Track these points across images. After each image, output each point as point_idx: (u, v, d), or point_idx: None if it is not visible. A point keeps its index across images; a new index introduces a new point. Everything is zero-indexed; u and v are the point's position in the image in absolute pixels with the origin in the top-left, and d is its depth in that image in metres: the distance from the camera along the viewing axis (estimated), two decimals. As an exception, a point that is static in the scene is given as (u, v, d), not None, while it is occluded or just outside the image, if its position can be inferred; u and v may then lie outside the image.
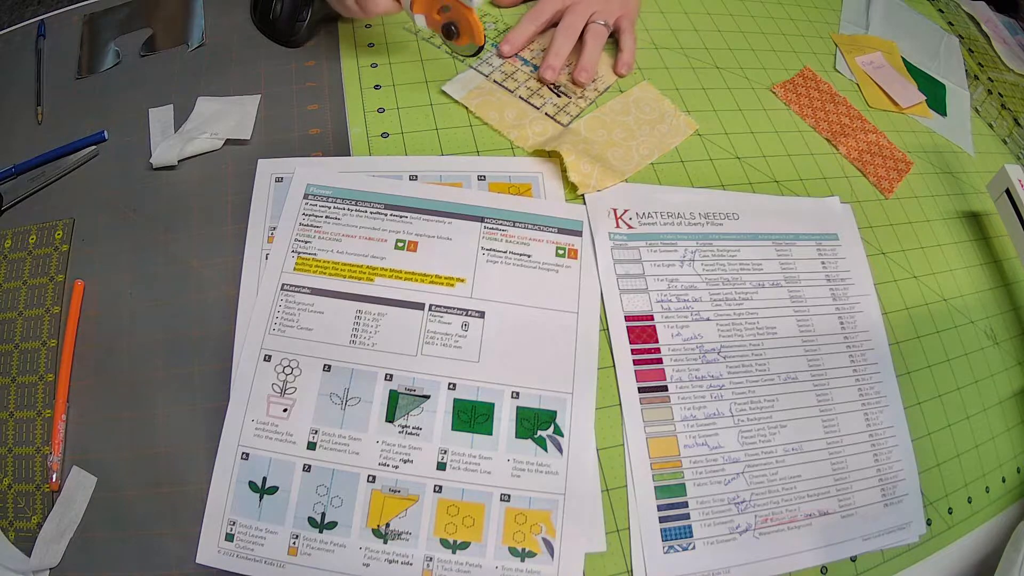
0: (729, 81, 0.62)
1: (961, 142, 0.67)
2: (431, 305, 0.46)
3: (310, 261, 0.47)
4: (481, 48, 0.53)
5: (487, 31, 0.58)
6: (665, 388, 0.46)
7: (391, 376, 0.43)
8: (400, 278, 0.46)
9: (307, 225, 0.48)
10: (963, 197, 0.62)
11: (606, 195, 0.51)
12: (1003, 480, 0.51)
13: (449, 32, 0.52)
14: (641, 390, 0.45)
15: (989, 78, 0.76)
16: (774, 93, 0.62)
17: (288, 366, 0.43)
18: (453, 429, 0.42)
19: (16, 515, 0.41)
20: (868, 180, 0.59)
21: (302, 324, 0.45)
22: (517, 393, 0.44)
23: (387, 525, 0.40)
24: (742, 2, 0.70)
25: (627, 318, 0.47)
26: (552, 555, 0.40)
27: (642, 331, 0.47)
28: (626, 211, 0.51)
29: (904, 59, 0.70)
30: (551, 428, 0.43)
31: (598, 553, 0.41)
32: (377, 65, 0.57)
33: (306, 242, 0.47)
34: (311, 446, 0.42)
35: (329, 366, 0.43)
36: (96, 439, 0.43)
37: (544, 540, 0.41)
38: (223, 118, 0.53)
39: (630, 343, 0.46)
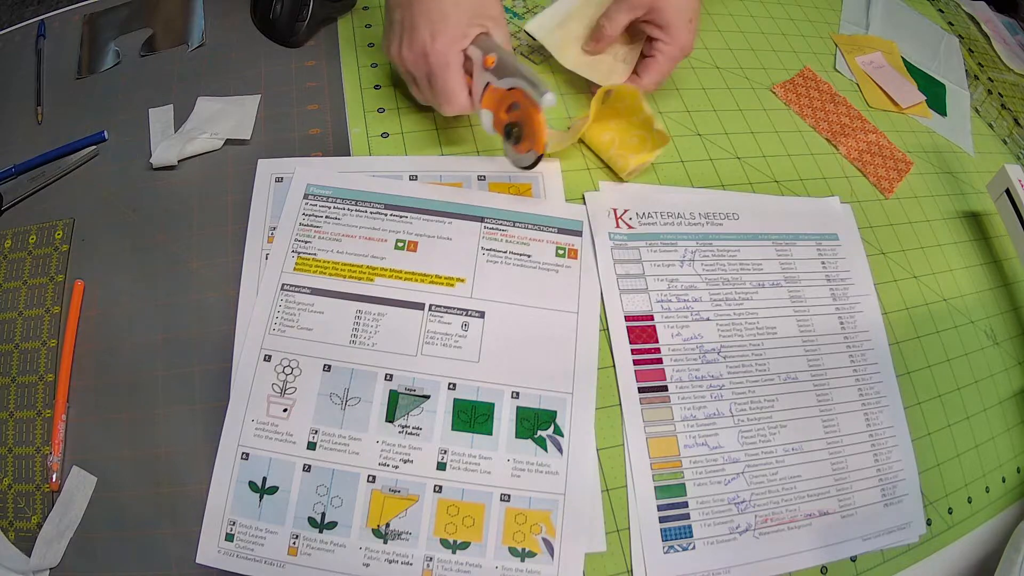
0: (729, 81, 0.62)
1: (961, 142, 0.67)
2: (431, 305, 0.46)
3: (310, 261, 0.47)
4: (540, 159, 0.47)
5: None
6: (665, 388, 0.46)
7: (391, 376, 0.43)
8: (400, 278, 0.46)
9: (307, 225, 0.48)
10: (963, 197, 0.62)
11: (606, 195, 0.51)
12: (1003, 480, 0.51)
13: (509, 133, 0.47)
14: (641, 390, 0.45)
15: (989, 78, 0.76)
16: (774, 93, 0.62)
17: (288, 366, 0.43)
18: (453, 429, 0.42)
19: (16, 515, 0.41)
20: (868, 180, 0.59)
21: (302, 324, 0.45)
22: (517, 393, 0.44)
23: (387, 525, 0.40)
24: (742, 2, 0.70)
25: (627, 318, 0.47)
26: (552, 555, 0.40)
27: (642, 331, 0.47)
28: (626, 211, 0.51)
29: (904, 59, 0.70)
30: (551, 428, 0.43)
31: (598, 553, 0.41)
32: (377, 65, 0.57)
33: (306, 242, 0.47)
34: (311, 446, 0.42)
35: (329, 366, 0.43)
36: (96, 439, 0.43)
37: (544, 540, 0.41)
38: (223, 118, 0.52)
39: (630, 343, 0.46)
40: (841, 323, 0.51)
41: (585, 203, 0.51)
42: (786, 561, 0.43)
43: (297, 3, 0.57)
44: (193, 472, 0.41)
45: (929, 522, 0.47)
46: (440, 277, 0.47)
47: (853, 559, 0.45)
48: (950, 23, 0.81)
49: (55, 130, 0.55)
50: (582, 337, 0.46)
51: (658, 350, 0.47)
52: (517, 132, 0.47)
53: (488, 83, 0.47)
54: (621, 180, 0.52)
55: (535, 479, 0.42)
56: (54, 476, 0.41)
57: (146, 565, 0.40)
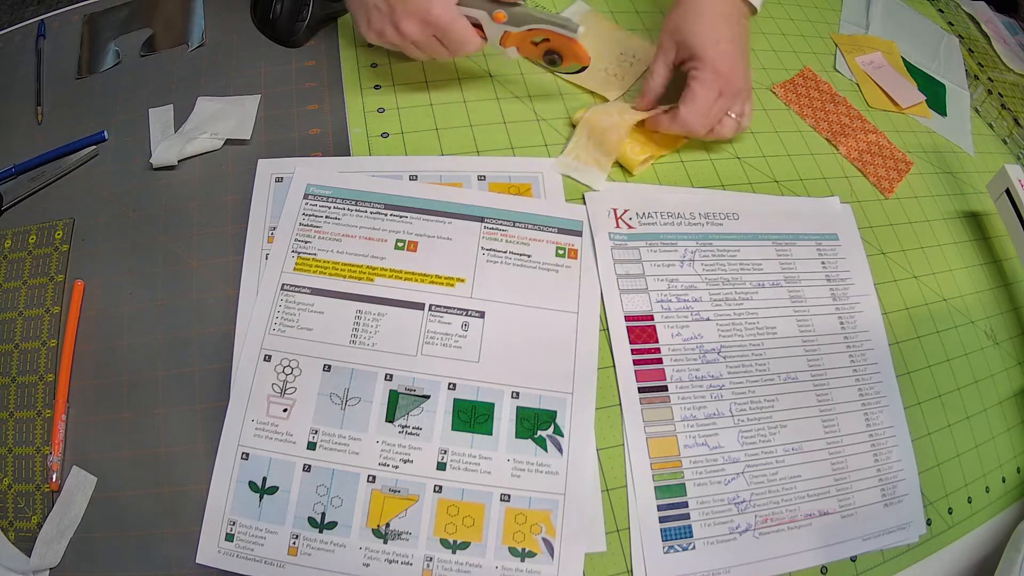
0: (729, 81, 0.62)
1: (961, 142, 0.67)
2: (431, 305, 0.46)
3: (310, 261, 0.47)
4: (585, 67, 0.53)
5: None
6: (665, 388, 0.46)
7: (391, 376, 0.43)
8: (400, 278, 0.46)
9: (307, 225, 0.48)
10: (963, 197, 0.62)
11: (606, 195, 0.51)
12: (1003, 480, 0.51)
13: (552, 60, 0.53)
14: (641, 390, 0.45)
15: (989, 78, 0.76)
16: (774, 93, 0.62)
17: (288, 366, 0.43)
18: (453, 429, 0.42)
19: (16, 515, 0.41)
20: (868, 180, 0.59)
21: (302, 324, 0.45)
22: (517, 393, 0.44)
23: (387, 525, 0.40)
24: (742, 2, 0.70)
25: (627, 318, 0.47)
26: (552, 555, 0.40)
27: (642, 331, 0.47)
28: (626, 211, 0.51)
29: (904, 59, 0.70)
30: (551, 428, 0.43)
31: (598, 553, 0.41)
32: (377, 65, 0.57)
33: (306, 242, 0.47)
34: (311, 446, 0.42)
35: (329, 366, 0.43)
36: (96, 439, 0.43)
37: (544, 540, 0.41)
38: (223, 118, 0.52)
39: (630, 343, 0.46)
40: (841, 323, 0.51)
41: (585, 203, 0.51)
42: (786, 561, 0.43)
43: (297, 3, 0.57)
44: (193, 472, 0.41)
45: (929, 522, 0.47)
46: (440, 277, 0.47)
47: (853, 559, 0.45)
48: (950, 23, 0.81)
49: (55, 130, 0.54)
50: (582, 337, 0.46)
51: (658, 350, 0.47)
52: (558, 58, 0.52)
53: (505, 31, 0.50)
54: (620, 180, 0.52)
55: (535, 479, 0.42)
56: (54, 476, 0.41)
57: (146, 565, 0.40)
